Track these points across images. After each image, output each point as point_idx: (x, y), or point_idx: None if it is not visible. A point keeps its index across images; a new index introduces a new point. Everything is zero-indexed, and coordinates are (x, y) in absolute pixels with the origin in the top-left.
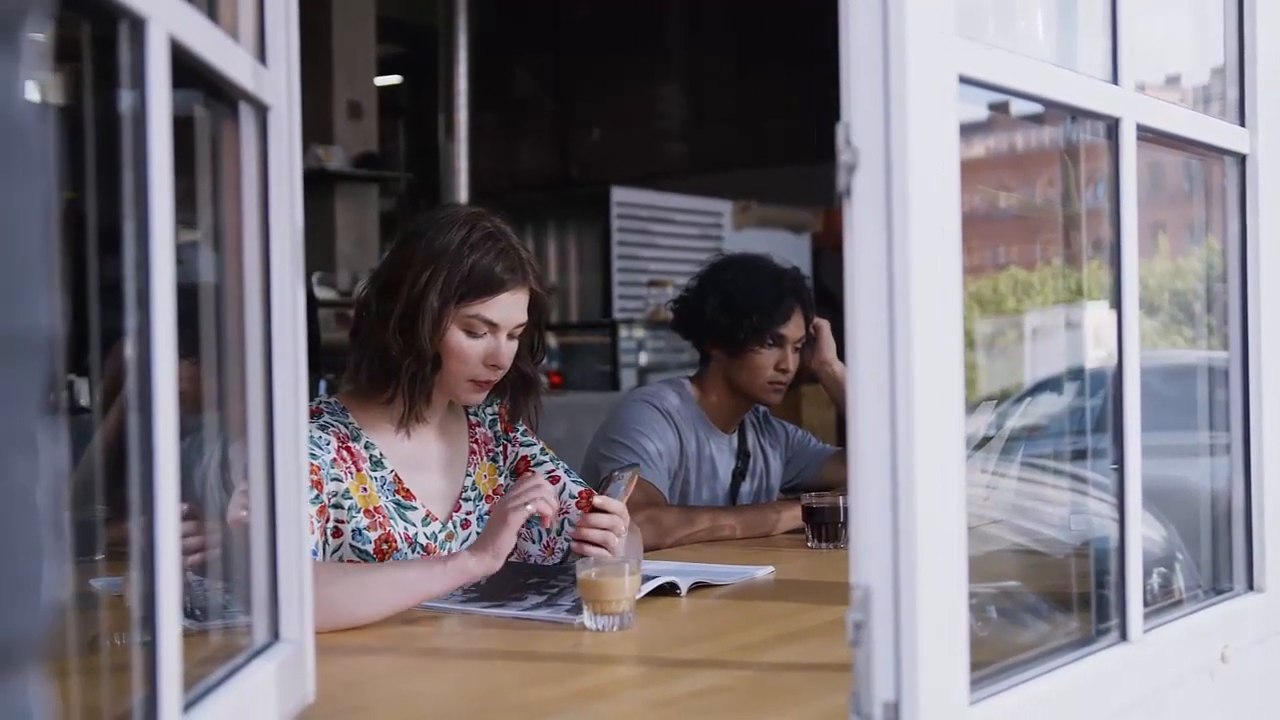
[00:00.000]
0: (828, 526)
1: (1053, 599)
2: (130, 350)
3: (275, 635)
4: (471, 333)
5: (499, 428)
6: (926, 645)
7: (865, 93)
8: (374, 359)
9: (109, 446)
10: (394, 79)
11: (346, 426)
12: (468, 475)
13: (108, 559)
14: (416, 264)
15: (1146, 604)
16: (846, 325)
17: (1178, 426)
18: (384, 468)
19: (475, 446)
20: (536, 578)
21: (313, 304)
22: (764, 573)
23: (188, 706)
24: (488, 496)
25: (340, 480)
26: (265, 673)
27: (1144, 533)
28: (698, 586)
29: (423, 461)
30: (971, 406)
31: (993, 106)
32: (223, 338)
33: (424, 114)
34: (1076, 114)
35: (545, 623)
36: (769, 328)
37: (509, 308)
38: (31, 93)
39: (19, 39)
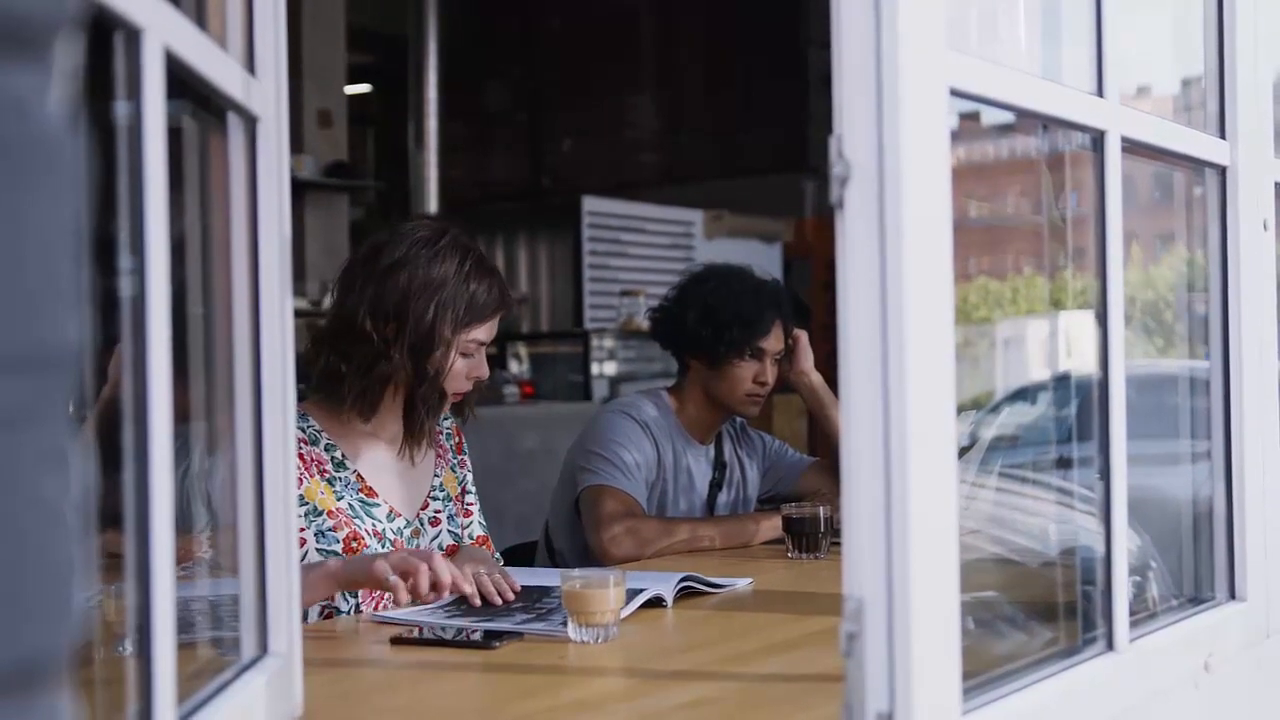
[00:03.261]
0: (808, 537)
1: (1034, 609)
2: (125, 362)
3: (264, 649)
4: (465, 354)
5: (453, 442)
6: (920, 655)
7: (858, 105)
8: (379, 385)
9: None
10: (364, 88)
11: (304, 430)
12: (435, 475)
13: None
14: (416, 294)
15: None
16: (839, 335)
17: (1151, 436)
18: (347, 469)
19: (440, 450)
20: (522, 600)
21: None
22: (744, 584)
23: None
24: (455, 498)
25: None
26: (254, 686)
27: None
28: (685, 593)
29: (388, 463)
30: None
31: (963, 115)
32: (209, 348)
33: (394, 123)
34: (1063, 126)
35: (539, 635)
36: (749, 341)
37: (495, 326)
38: (62, 107)
39: (49, 55)
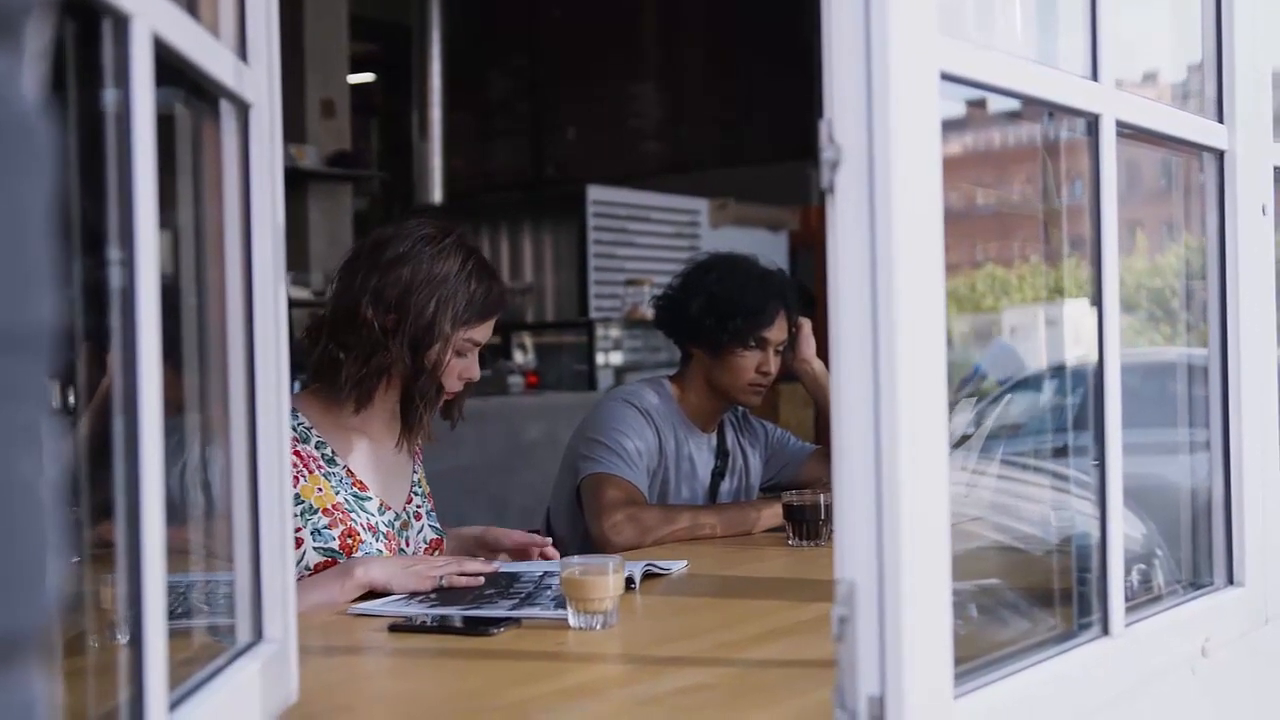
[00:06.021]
0: (808, 524)
1: (1034, 595)
2: (113, 351)
3: (259, 635)
4: (459, 353)
5: (421, 443)
6: (911, 639)
7: (848, 89)
8: (375, 375)
9: (86, 447)
10: (367, 77)
11: (295, 429)
12: (415, 472)
13: (88, 561)
14: (418, 288)
15: (1127, 600)
16: (830, 322)
17: (1155, 423)
18: (337, 464)
19: (417, 450)
20: (492, 589)
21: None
22: (680, 566)
23: (173, 706)
24: (428, 495)
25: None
26: (249, 672)
27: (1124, 529)
28: (649, 576)
29: (374, 458)
30: (951, 404)
31: (970, 103)
32: (203, 338)
33: (397, 113)
34: (1057, 110)
35: (536, 621)
36: (752, 331)
37: (491, 328)
38: (34, 90)
39: (21, 36)
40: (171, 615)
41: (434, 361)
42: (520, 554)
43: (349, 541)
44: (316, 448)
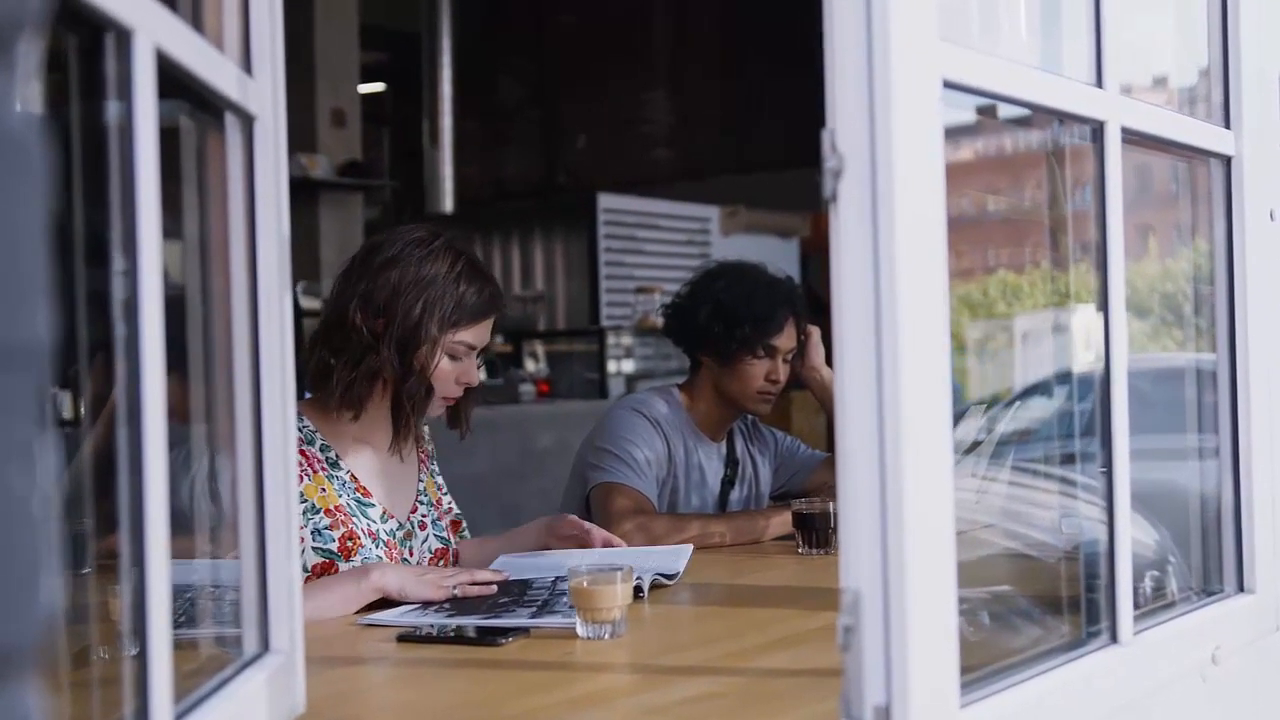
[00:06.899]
0: (818, 532)
1: (1044, 602)
2: (118, 363)
3: (265, 646)
4: (453, 356)
5: (431, 448)
6: (916, 648)
7: (850, 98)
8: (366, 379)
9: (96, 459)
10: (378, 86)
11: (300, 431)
12: (420, 480)
13: (96, 572)
14: (405, 290)
15: (1139, 607)
16: (834, 330)
17: (1167, 429)
18: (341, 469)
19: (423, 457)
20: (506, 598)
21: (297, 314)
22: (685, 553)
23: (178, 717)
24: (435, 503)
25: None
26: (255, 683)
27: (1136, 536)
28: (656, 586)
29: (378, 466)
30: (961, 411)
31: (980, 110)
32: (209, 350)
33: (408, 121)
34: (1061, 117)
35: (546, 630)
36: (761, 339)
37: (487, 331)
38: (27, 105)
39: (14, 52)
40: (177, 625)
41: (422, 364)
42: (580, 543)
43: (348, 545)
44: (321, 450)
